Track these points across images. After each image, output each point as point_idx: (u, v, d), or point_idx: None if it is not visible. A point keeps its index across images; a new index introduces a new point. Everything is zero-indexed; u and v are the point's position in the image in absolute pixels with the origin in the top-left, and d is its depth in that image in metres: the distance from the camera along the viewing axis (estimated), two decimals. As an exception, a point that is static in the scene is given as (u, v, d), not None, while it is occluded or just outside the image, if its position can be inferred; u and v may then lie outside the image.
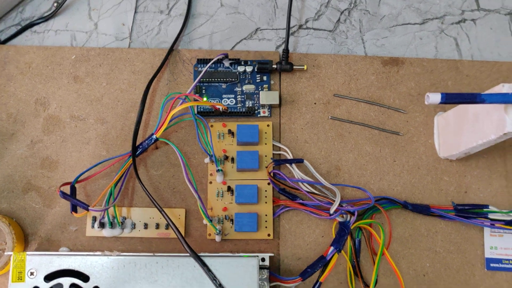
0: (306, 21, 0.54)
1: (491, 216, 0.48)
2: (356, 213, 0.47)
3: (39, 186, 0.49)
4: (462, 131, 0.46)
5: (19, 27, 0.53)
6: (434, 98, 0.38)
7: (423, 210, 0.49)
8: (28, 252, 0.43)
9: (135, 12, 0.54)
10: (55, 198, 0.49)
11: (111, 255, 0.43)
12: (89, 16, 0.54)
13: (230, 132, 0.50)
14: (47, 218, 0.49)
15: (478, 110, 0.44)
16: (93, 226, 0.48)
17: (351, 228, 0.47)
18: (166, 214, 0.45)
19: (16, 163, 0.50)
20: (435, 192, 0.50)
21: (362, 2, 0.55)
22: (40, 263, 0.42)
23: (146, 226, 0.48)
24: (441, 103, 0.38)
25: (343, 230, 0.47)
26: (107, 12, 0.54)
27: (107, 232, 0.48)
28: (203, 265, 0.43)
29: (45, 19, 0.53)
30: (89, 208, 0.45)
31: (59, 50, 0.52)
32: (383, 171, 0.50)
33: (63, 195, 0.45)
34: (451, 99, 0.38)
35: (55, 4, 0.54)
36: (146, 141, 0.48)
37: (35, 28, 0.54)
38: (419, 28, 0.55)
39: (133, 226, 0.48)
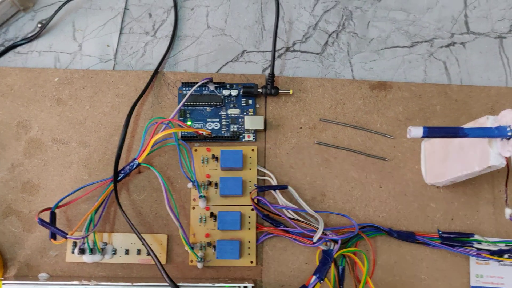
0: (294, 44, 0.54)
1: (476, 245, 0.48)
2: (339, 242, 0.46)
3: (19, 211, 0.49)
4: (448, 159, 0.46)
5: (2, 48, 0.53)
6: (416, 132, 0.37)
7: (408, 237, 0.48)
8: (4, 281, 0.42)
9: (120, 33, 0.54)
10: (35, 223, 0.48)
11: (88, 285, 0.42)
12: (73, 37, 0.54)
13: (214, 157, 0.49)
14: (26, 243, 0.48)
15: (464, 140, 0.43)
16: (73, 252, 0.47)
17: (335, 256, 0.47)
18: (145, 241, 0.44)
19: (-3, 186, 0.49)
20: (422, 219, 0.49)
21: (351, 25, 0.54)
22: (17, 292, 0.42)
23: (127, 252, 0.48)
24: (423, 137, 0.38)
25: (326, 258, 0.46)
26: (92, 33, 0.54)
27: (87, 258, 0.47)
28: (182, 296, 0.42)
29: (29, 40, 0.53)
30: (67, 236, 0.44)
31: (42, 72, 0.52)
32: (368, 197, 0.50)
33: (42, 222, 0.44)
34: (433, 133, 0.38)
35: (39, 25, 0.53)
36: (128, 166, 0.48)
37: (19, 49, 0.53)
38: (408, 51, 0.54)
39: (114, 252, 0.48)
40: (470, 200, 0.50)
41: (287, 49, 0.54)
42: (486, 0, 0.56)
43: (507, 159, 0.39)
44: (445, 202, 0.50)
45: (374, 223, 0.49)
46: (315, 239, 0.46)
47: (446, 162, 0.46)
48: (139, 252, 0.48)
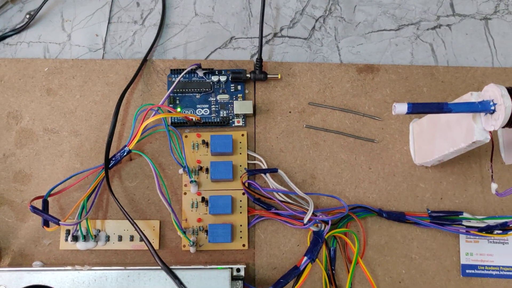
0: (281, 29, 0.54)
1: (465, 223, 0.48)
2: (330, 222, 0.47)
3: (11, 200, 0.49)
4: (435, 138, 0.46)
5: (-9, 40, 0.53)
6: (401, 108, 0.38)
7: (398, 217, 0.49)
8: (-2, 268, 0.43)
9: (109, 22, 0.54)
10: (28, 212, 0.49)
11: (81, 270, 0.43)
12: (62, 28, 0.54)
13: (205, 143, 0.50)
14: (20, 232, 0.48)
15: (450, 118, 0.43)
16: (66, 240, 0.48)
17: (326, 237, 0.47)
18: (138, 226, 0.45)
19: (-11, 177, 0.49)
20: (411, 199, 0.50)
21: (337, 9, 0.55)
22: (10, 279, 0.42)
23: (120, 238, 0.48)
24: (407, 113, 0.38)
25: (317, 239, 0.47)
26: (80, 23, 0.54)
27: (80, 245, 0.48)
28: (175, 278, 0.42)
29: (18, 31, 0.53)
30: (60, 222, 0.45)
31: (31, 62, 0.52)
32: (358, 178, 0.50)
33: (34, 209, 0.45)
34: (417, 109, 0.38)
35: (28, 16, 0.53)
36: (119, 153, 0.48)
37: (8, 40, 0.53)
38: (394, 35, 0.55)
39: (107, 238, 0.48)
40: (458, 179, 0.51)
41: (275, 35, 0.54)
42: (471, -17, 0.56)
43: (491, 134, 0.39)
44: (434, 182, 0.50)
45: (364, 204, 0.49)
46: (305, 220, 0.47)
47: (433, 141, 0.47)
48: (132, 238, 0.48)
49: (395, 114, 0.38)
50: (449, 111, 0.39)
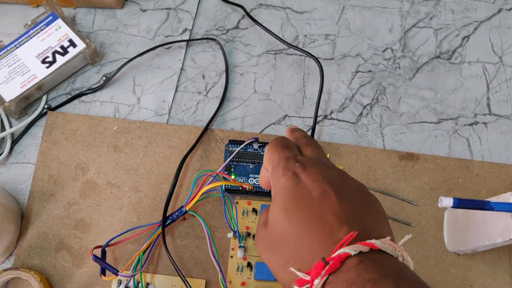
0: (331, 112, 0.59)
1: (495, 313, 0.51)
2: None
3: (70, 246, 0.52)
4: (470, 229, 0.50)
5: (69, 96, 0.58)
6: (447, 202, 0.42)
7: (430, 301, 0.51)
8: (58, 312, 0.45)
9: (176, 91, 0.59)
10: (84, 259, 0.52)
11: (135, 321, 0.46)
12: (133, 91, 0.59)
13: (254, 211, 0.53)
14: (75, 277, 0.51)
15: (487, 213, 0.47)
16: (117, 290, 0.51)
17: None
18: (188, 284, 0.48)
19: (52, 222, 0.53)
20: (442, 283, 0.52)
21: (384, 99, 0.60)
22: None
23: (167, 293, 0.51)
24: (453, 207, 0.42)
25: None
26: (150, 88, 0.59)
27: (130, 296, 0.50)
28: (222, 339, 0.45)
29: (93, 90, 0.59)
30: (118, 273, 0.48)
31: (102, 120, 0.57)
32: (394, 259, 0.53)
33: (95, 258, 0.48)
34: (462, 204, 0.42)
35: (104, 78, 0.59)
36: (176, 213, 0.52)
37: (83, 98, 0.59)
38: (434, 127, 0.59)
39: (155, 292, 0.51)
40: (488, 269, 0.53)
41: (325, 117, 0.59)
42: (507, 86, 0.61)
43: (528, 234, 0.43)
44: (465, 269, 0.53)
45: (399, 284, 0.52)
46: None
47: (468, 231, 0.50)
48: (178, 294, 0.51)
49: (441, 206, 0.42)
50: (491, 209, 0.42)
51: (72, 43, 0.57)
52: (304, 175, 0.34)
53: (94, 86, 0.59)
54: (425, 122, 0.60)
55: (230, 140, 0.56)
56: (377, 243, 0.30)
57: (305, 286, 0.30)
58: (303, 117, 0.59)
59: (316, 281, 0.29)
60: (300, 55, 0.61)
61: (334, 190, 0.33)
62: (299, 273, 0.30)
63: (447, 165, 0.57)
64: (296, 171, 0.35)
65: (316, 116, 0.56)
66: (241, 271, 0.52)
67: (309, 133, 0.57)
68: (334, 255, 0.29)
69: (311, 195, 0.33)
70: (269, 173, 0.37)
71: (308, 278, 0.29)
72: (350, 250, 0.29)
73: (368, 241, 0.30)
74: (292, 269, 0.31)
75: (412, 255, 0.53)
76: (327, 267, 0.29)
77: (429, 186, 0.56)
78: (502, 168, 0.57)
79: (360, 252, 0.29)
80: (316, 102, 0.56)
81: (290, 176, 0.34)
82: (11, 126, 0.57)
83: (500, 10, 0.64)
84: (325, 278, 0.29)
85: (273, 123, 0.58)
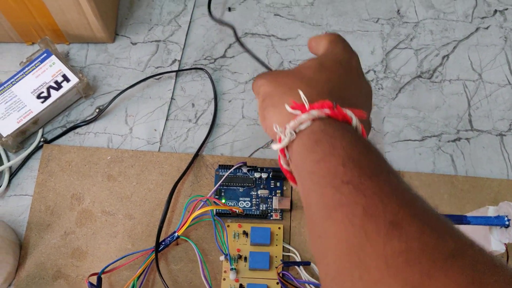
0: (317, 134, 0.61)
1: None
2: (357, 316, 0.51)
3: (67, 274, 0.54)
4: (456, 244, 0.51)
5: (64, 129, 0.61)
6: (427, 218, 0.43)
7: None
8: None
9: (167, 119, 0.61)
10: (81, 287, 0.53)
11: None
12: (125, 121, 0.61)
13: (245, 233, 0.55)
14: (72, 305, 0.53)
15: (468, 226, 0.48)
16: (114, 316, 0.52)
17: (353, 330, 0.51)
18: (183, 308, 0.49)
19: (49, 251, 0.55)
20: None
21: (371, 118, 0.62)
22: None
23: (162, 317, 0.52)
24: (433, 223, 0.43)
25: (345, 332, 0.50)
26: (141, 118, 0.61)
27: (126, 322, 0.52)
28: None
29: (87, 122, 0.61)
30: (113, 299, 0.49)
31: (96, 151, 0.59)
32: (384, 276, 0.54)
33: (91, 285, 0.50)
34: (442, 220, 0.43)
35: (97, 110, 0.61)
36: (169, 238, 0.54)
37: (78, 130, 0.61)
38: (418, 144, 0.61)
39: (151, 317, 0.52)
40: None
41: (312, 139, 0.61)
42: (487, 102, 0.63)
43: (506, 245, 0.44)
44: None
45: (389, 300, 0.53)
46: (335, 313, 0.50)
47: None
48: (173, 318, 0.52)
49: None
50: (468, 223, 0.44)
51: (66, 78, 0.60)
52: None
53: (88, 118, 0.61)
54: (409, 140, 0.61)
55: (220, 165, 0.58)
56: (347, 111, 0.35)
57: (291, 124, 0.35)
58: (290, 140, 0.61)
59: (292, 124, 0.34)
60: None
61: (320, 64, 0.40)
62: (289, 109, 0.36)
63: (432, 181, 0.59)
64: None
65: None
66: (234, 293, 0.53)
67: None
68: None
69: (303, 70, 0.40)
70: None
71: (298, 112, 0.35)
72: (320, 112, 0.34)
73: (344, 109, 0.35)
74: (287, 106, 0.36)
75: (401, 271, 0.54)
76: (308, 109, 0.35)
77: (415, 203, 0.57)
78: (486, 182, 0.59)
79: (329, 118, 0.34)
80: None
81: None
82: (8, 160, 0.59)
83: (477, 29, 0.66)
84: (301, 124, 0.34)
85: (261, 147, 0.60)
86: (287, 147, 0.36)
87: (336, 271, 0.28)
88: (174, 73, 0.64)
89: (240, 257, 0.54)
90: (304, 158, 0.34)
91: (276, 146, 0.36)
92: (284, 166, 0.38)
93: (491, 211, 0.45)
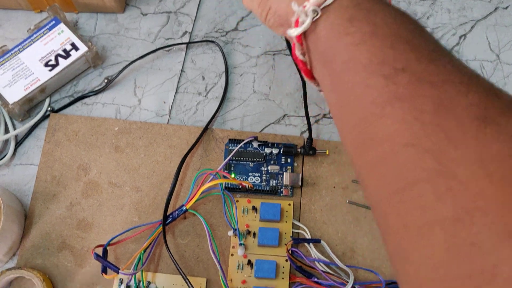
0: (329, 111, 0.60)
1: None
2: (368, 295, 0.50)
3: (73, 246, 0.53)
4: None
5: (72, 99, 0.59)
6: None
7: (431, 297, 0.51)
8: (60, 309, 0.46)
9: (176, 92, 0.60)
10: (86, 258, 0.52)
11: (136, 318, 0.46)
12: (134, 93, 0.60)
13: (254, 209, 0.54)
14: (77, 277, 0.52)
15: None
16: (119, 288, 0.51)
17: (363, 309, 0.50)
18: (190, 282, 0.48)
19: (55, 222, 0.54)
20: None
21: (382, 98, 0.60)
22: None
23: (168, 292, 0.51)
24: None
25: (355, 311, 0.49)
26: (151, 90, 0.60)
27: (132, 294, 0.51)
28: (222, 334, 0.45)
29: (95, 92, 0.59)
30: (119, 271, 0.48)
31: (104, 121, 0.58)
32: (395, 256, 0.53)
33: (97, 256, 0.49)
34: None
35: (105, 80, 0.60)
36: (177, 211, 0.52)
37: (86, 100, 0.59)
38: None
39: (157, 291, 0.51)
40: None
41: (324, 116, 0.59)
42: (505, 83, 0.61)
43: None
44: (466, 266, 0.53)
45: (400, 281, 0.52)
46: (345, 291, 0.49)
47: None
48: (179, 292, 0.51)
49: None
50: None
51: (75, 47, 0.58)
52: None
53: (96, 89, 0.60)
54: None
55: (230, 139, 0.57)
56: None
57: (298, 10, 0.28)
58: (302, 116, 0.59)
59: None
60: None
61: None
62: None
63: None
64: None
65: (307, 116, 0.56)
66: (242, 269, 0.52)
67: (307, 132, 0.57)
68: None
69: None
70: None
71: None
72: None
73: None
74: None
75: (413, 252, 0.53)
76: None
77: (428, 183, 0.56)
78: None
79: None
80: (303, 102, 0.56)
81: None
82: (14, 129, 0.58)
83: (496, 9, 0.65)
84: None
85: (272, 123, 0.59)
86: (304, 32, 0.29)
87: (404, 181, 0.22)
88: (185, 45, 0.62)
89: (249, 232, 0.53)
90: (334, 43, 0.27)
91: (294, 31, 0.29)
92: (300, 57, 0.30)
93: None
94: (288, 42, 0.47)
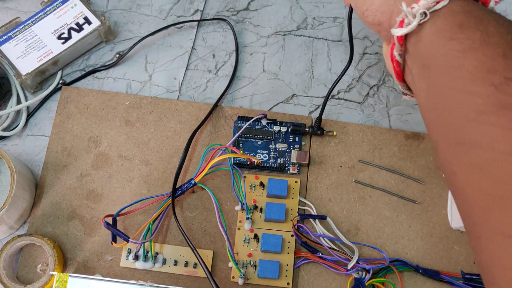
0: (338, 92, 0.60)
1: (497, 287, 0.51)
2: (371, 271, 0.51)
3: (82, 216, 0.54)
4: (475, 205, 0.51)
5: (83, 72, 0.60)
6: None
7: (433, 275, 0.52)
8: (70, 274, 0.47)
9: (187, 69, 0.61)
10: (95, 228, 0.53)
11: (145, 285, 0.47)
12: (145, 68, 0.61)
13: (261, 185, 0.55)
14: (86, 245, 0.53)
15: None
16: (127, 258, 0.52)
17: (366, 284, 0.51)
18: (198, 253, 0.49)
19: (65, 192, 0.55)
20: (446, 260, 0.53)
21: (390, 80, 0.61)
22: (80, 285, 0.46)
23: (176, 263, 0.52)
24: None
25: (358, 285, 0.50)
26: (161, 66, 0.61)
27: (140, 264, 0.52)
28: (228, 303, 0.46)
29: (107, 67, 0.60)
30: (129, 239, 0.49)
31: (115, 95, 0.58)
32: (398, 235, 0.54)
33: (107, 225, 0.49)
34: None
35: (117, 55, 0.60)
36: (186, 185, 0.53)
37: (97, 74, 0.60)
38: (439, 108, 0.60)
39: (164, 261, 0.52)
40: (491, 247, 0.54)
41: (332, 96, 0.60)
42: None
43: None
44: (468, 246, 0.54)
45: (403, 259, 0.53)
46: (349, 267, 0.50)
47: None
48: (186, 264, 0.52)
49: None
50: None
51: (87, 21, 0.59)
52: None
53: (107, 63, 0.61)
54: (431, 103, 0.60)
55: (239, 117, 0.57)
56: None
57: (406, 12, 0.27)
58: (311, 97, 0.60)
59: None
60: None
61: None
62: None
63: (452, 145, 0.58)
64: None
65: (328, 96, 0.55)
66: (248, 242, 0.53)
67: (315, 111, 0.58)
68: None
69: None
70: None
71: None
72: None
73: None
74: None
75: (417, 232, 0.54)
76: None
77: (433, 165, 0.57)
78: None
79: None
80: (333, 83, 0.55)
81: None
82: (26, 100, 0.58)
83: (506, -4, 0.65)
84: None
85: (281, 102, 0.60)
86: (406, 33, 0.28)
87: (506, 189, 0.22)
88: (196, 23, 0.63)
89: (256, 207, 0.54)
90: (439, 47, 0.27)
91: (398, 31, 0.28)
92: (397, 57, 0.30)
93: None
94: (350, 31, 0.48)
